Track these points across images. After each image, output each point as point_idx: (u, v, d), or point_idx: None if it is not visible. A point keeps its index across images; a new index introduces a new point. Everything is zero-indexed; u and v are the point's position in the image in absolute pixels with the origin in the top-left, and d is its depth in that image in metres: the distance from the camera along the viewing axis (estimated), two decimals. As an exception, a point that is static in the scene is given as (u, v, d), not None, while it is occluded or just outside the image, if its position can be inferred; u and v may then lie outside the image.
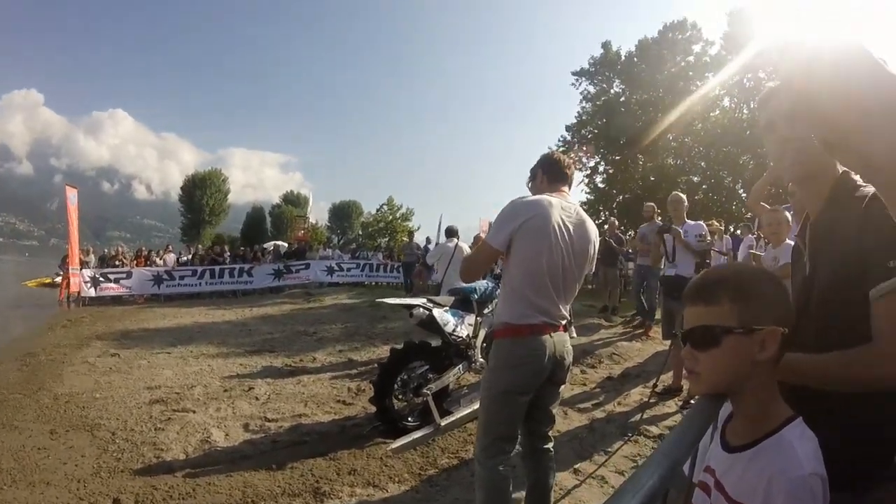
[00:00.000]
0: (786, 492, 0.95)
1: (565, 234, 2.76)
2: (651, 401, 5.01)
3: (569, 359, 2.93)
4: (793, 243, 4.05)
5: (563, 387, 3.08)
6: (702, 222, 6.38)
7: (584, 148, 28.01)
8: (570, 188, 3.07)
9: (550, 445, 3.02)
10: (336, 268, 20.74)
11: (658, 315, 8.33)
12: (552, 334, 2.76)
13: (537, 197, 2.85)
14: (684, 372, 5.44)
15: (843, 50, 0.54)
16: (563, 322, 2.87)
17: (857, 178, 1.31)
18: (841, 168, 1.35)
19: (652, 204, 9.34)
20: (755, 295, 1.07)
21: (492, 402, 2.79)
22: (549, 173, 3.03)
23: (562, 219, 2.77)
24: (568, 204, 2.89)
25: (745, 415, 1.12)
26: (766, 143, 1.46)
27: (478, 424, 2.99)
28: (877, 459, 1.22)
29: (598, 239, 3.15)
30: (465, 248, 8.45)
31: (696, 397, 1.17)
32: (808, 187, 1.45)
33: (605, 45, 31.26)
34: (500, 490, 2.71)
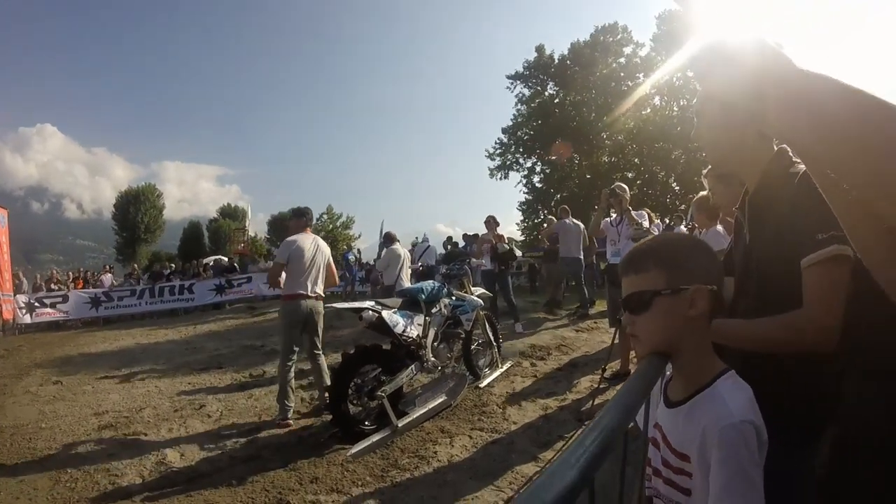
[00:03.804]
0: (718, 439, 1.04)
1: (310, 251, 5.68)
2: (601, 386, 5.16)
3: (318, 314, 5.69)
4: (720, 229, 4.25)
5: (320, 329, 5.76)
6: (643, 211, 6.63)
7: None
8: (311, 224, 6.09)
9: (320, 353, 5.77)
10: (279, 280, 20.45)
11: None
12: (305, 300, 5.57)
13: (296, 236, 5.76)
14: (631, 355, 5.66)
15: (738, 39, 0.66)
16: (315, 294, 5.65)
17: (791, 154, 1.41)
18: (777, 145, 1.46)
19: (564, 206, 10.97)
20: (679, 258, 1.18)
21: (282, 331, 5.73)
22: (301, 220, 5.97)
23: (307, 244, 5.71)
24: (307, 236, 5.82)
25: (683, 372, 1.23)
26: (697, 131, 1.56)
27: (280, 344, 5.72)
28: (815, 415, 1.33)
29: (328, 248, 6.03)
30: (407, 253, 9.58)
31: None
32: (740, 165, 1.56)
33: (539, 49, 31.88)
34: (286, 375, 5.39)
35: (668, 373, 1.31)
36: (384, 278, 9.45)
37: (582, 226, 10.42)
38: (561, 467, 0.66)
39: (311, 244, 5.76)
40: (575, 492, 0.64)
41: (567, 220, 10.42)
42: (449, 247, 17.08)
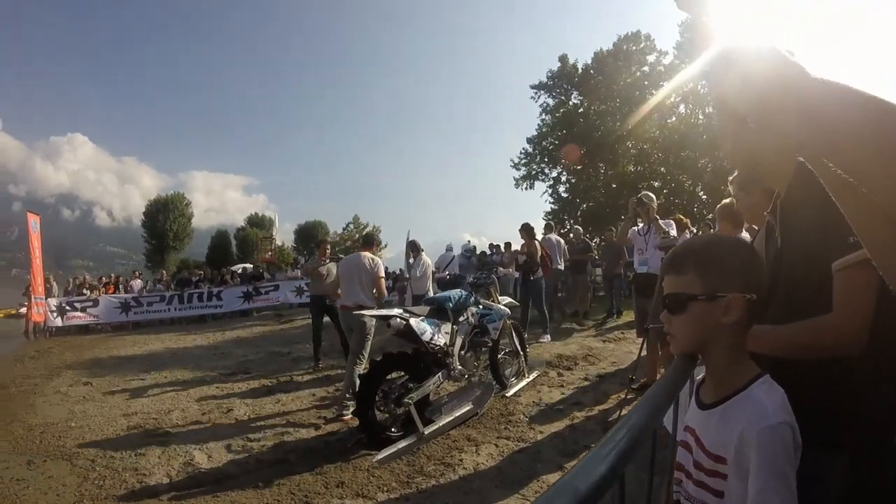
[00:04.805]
0: (756, 441, 1.05)
1: (346, 268, 6.49)
2: (628, 397, 5.12)
3: (357, 322, 5.87)
4: (746, 237, 4.19)
5: (362, 338, 5.96)
6: (670, 220, 6.58)
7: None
8: (373, 245, 6.86)
9: (358, 360, 5.90)
10: (305, 288, 20.57)
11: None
12: (347, 310, 6.22)
13: (348, 256, 6.83)
14: (658, 367, 5.60)
15: (753, 51, 0.67)
16: (353, 304, 6.15)
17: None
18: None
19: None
20: (719, 264, 1.18)
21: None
22: (363, 241, 7.03)
23: (345, 263, 6.62)
24: (359, 255, 6.44)
25: (716, 375, 1.23)
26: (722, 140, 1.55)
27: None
28: (839, 420, 1.32)
29: (372, 263, 6.35)
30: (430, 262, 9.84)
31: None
32: (769, 173, 1.55)
33: (562, 59, 31.76)
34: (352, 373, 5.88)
35: (699, 376, 1.32)
36: (415, 287, 9.48)
37: (562, 241, 11.79)
38: (591, 461, 0.68)
39: (350, 262, 6.51)
40: (605, 485, 0.65)
41: (550, 236, 11.16)
42: (474, 258, 17.09)
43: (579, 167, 29.43)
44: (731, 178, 3.03)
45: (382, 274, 6.51)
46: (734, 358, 1.20)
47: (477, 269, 12.09)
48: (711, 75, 0.73)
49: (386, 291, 6.79)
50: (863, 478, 1.19)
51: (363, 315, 5.65)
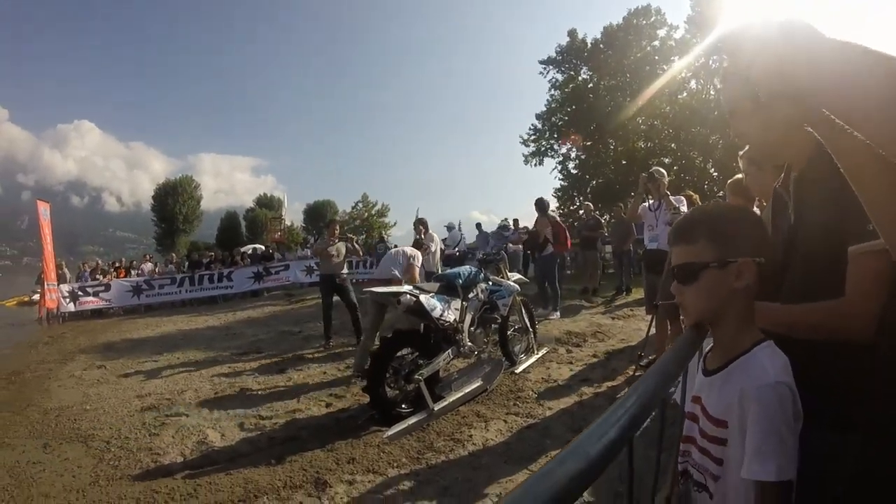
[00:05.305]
0: (756, 400, 1.06)
1: (396, 252, 7.94)
2: (637, 374, 5.12)
3: (383, 297, 5.51)
4: (756, 212, 4.14)
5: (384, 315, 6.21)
6: (681, 196, 6.51)
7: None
8: (419, 240, 8.84)
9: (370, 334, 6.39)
10: (315, 267, 20.60)
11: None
12: (374, 288, 5.74)
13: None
14: (667, 344, 5.58)
15: (766, 17, 0.67)
16: (382, 279, 7.12)
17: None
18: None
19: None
20: (728, 230, 1.18)
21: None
22: (413, 246, 8.41)
23: (397, 249, 8.06)
24: (399, 249, 8.11)
25: (723, 341, 1.24)
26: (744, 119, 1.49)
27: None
28: (849, 405, 1.30)
29: (409, 252, 7.71)
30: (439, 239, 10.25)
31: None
32: (783, 143, 1.51)
33: (571, 33, 31.36)
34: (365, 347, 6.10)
35: (707, 347, 1.32)
36: (426, 265, 9.47)
37: (557, 217, 12.05)
38: (602, 425, 0.67)
39: (396, 251, 8.06)
40: (615, 449, 0.65)
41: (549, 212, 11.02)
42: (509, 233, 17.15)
43: (588, 143, 29.29)
44: (741, 154, 2.98)
45: (418, 264, 7.69)
46: (742, 325, 1.20)
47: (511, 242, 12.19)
48: (725, 46, 0.72)
49: (418, 278, 7.48)
50: (870, 464, 1.17)
51: (372, 291, 5.63)
